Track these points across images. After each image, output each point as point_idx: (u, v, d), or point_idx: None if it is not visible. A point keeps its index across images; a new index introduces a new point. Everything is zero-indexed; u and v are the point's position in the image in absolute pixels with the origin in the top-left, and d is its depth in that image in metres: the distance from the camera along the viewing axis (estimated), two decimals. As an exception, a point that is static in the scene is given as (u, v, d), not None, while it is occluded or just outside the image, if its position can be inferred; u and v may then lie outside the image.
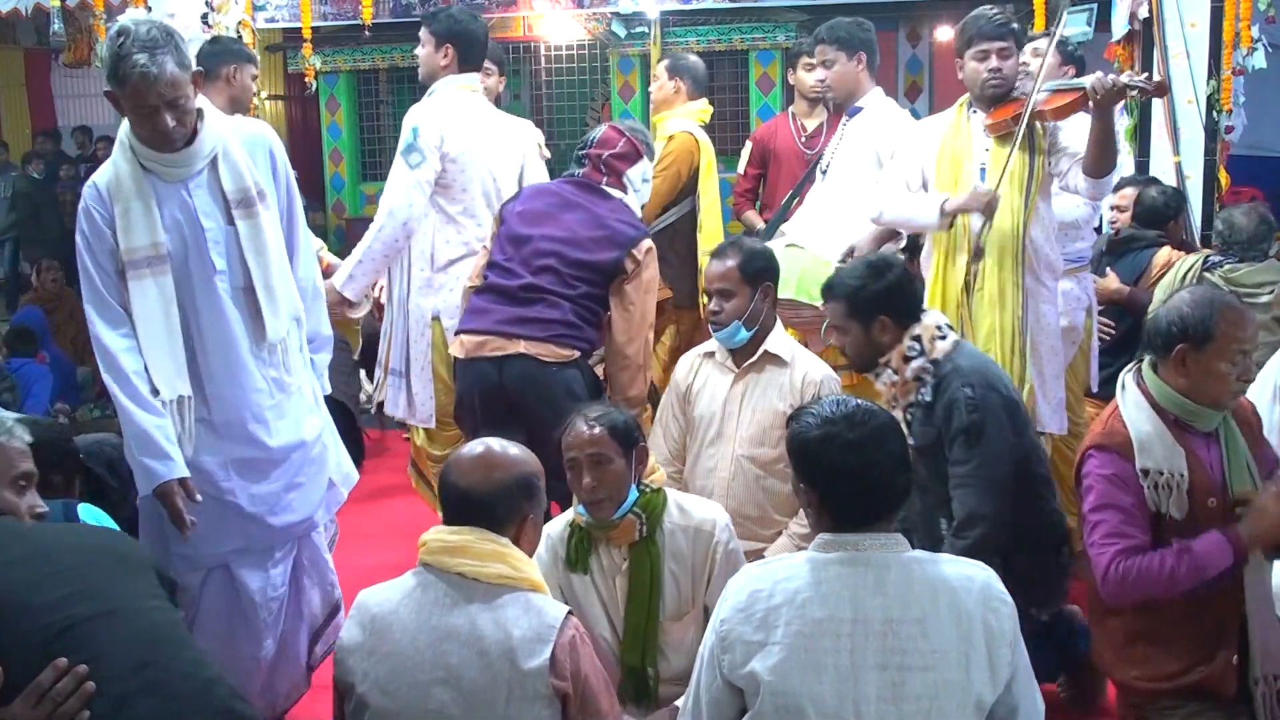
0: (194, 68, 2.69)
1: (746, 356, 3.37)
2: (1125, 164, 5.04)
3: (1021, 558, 2.96)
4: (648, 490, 2.78)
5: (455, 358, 3.51)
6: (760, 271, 3.33)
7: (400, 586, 2.23)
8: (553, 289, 3.43)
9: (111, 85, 2.66)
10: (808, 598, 1.96)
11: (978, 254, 3.54)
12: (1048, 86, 3.44)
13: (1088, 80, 3.31)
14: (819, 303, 3.95)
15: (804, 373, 3.33)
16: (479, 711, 2.10)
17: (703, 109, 4.75)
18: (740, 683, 1.98)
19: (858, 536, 2.01)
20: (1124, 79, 3.23)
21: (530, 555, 2.29)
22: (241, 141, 2.86)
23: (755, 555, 3.29)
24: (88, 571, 2.04)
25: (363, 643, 2.19)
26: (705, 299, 3.42)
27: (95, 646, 1.92)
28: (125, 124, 2.75)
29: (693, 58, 5.03)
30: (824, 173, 4.37)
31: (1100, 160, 3.37)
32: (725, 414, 3.36)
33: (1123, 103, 3.31)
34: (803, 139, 5.11)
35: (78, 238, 2.81)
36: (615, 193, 3.63)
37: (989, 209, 3.48)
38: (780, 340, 3.39)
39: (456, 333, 3.56)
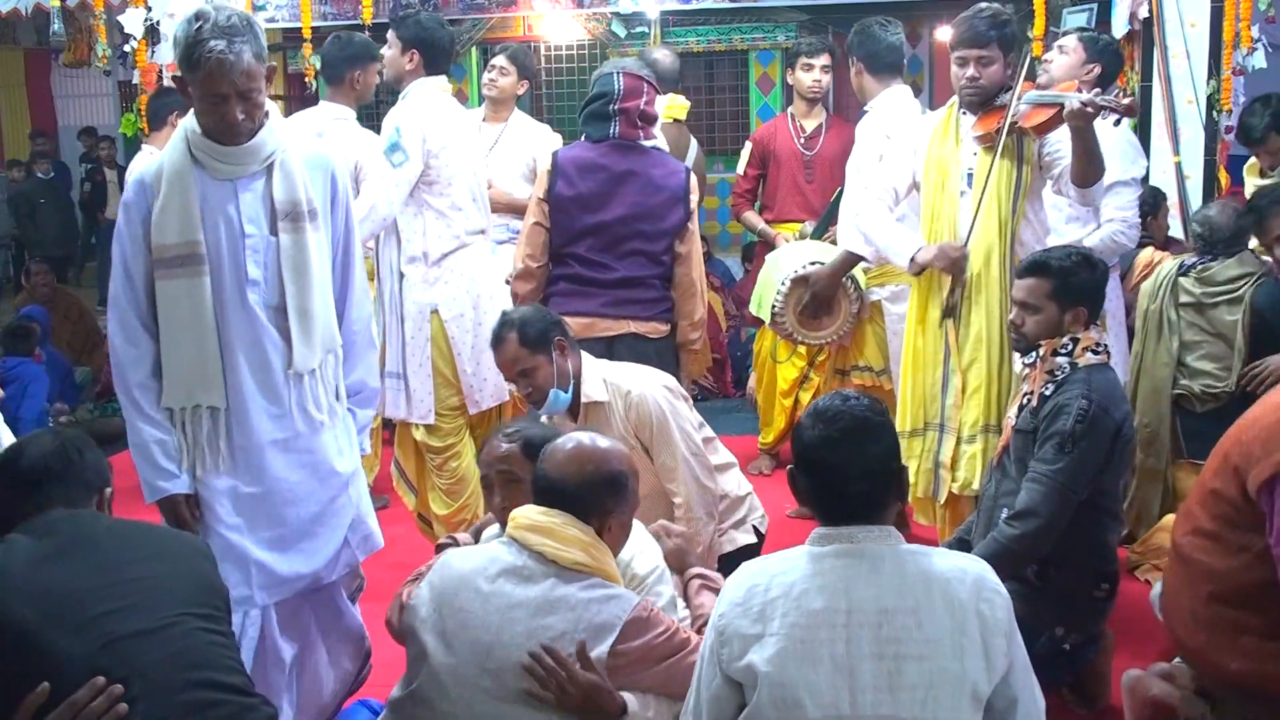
0: (270, 62, 2.63)
1: (575, 412, 3.22)
2: (1125, 164, 5.02)
3: (1057, 574, 3.00)
4: None
5: None
6: (541, 334, 3.16)
7: (485, 553, 2.32)
8: (645, 272, 3.72)
9: (183, 70, 2.54)
10: (804, 589, 1.97)
11: (949, 311, 3.52)
12: (1028, 98, 3.40)
13: (1066, 98, 3.28)
14: (767, 321, 4.17)
15: (624, 398, 3.18)
16: None
17: (669, 104, 4.74)
18: (738, 676, 1.99)
19: (852, 529, 2.03)
20: (1098, 100, 3.19)
21: (615, 552, 2.35)
22: (303, 160, 2.72)
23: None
24: (148, 585, 2.06)
25: (436, 595, 2.28)
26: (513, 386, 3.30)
27: (138, 664, 1.94)
28: (190, 116, 2.64)
29: (656, 52, 5.00)
30: None
31: (1085, 172, 3.33)
32: None
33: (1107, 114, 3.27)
34: (801, 140, 5.12)
35: (116, 229, 2.70)
36: (649, 142, 3.80)
37: (956, 269, 3.44)
38: (593, 382, 3.21)
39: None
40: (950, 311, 3.52)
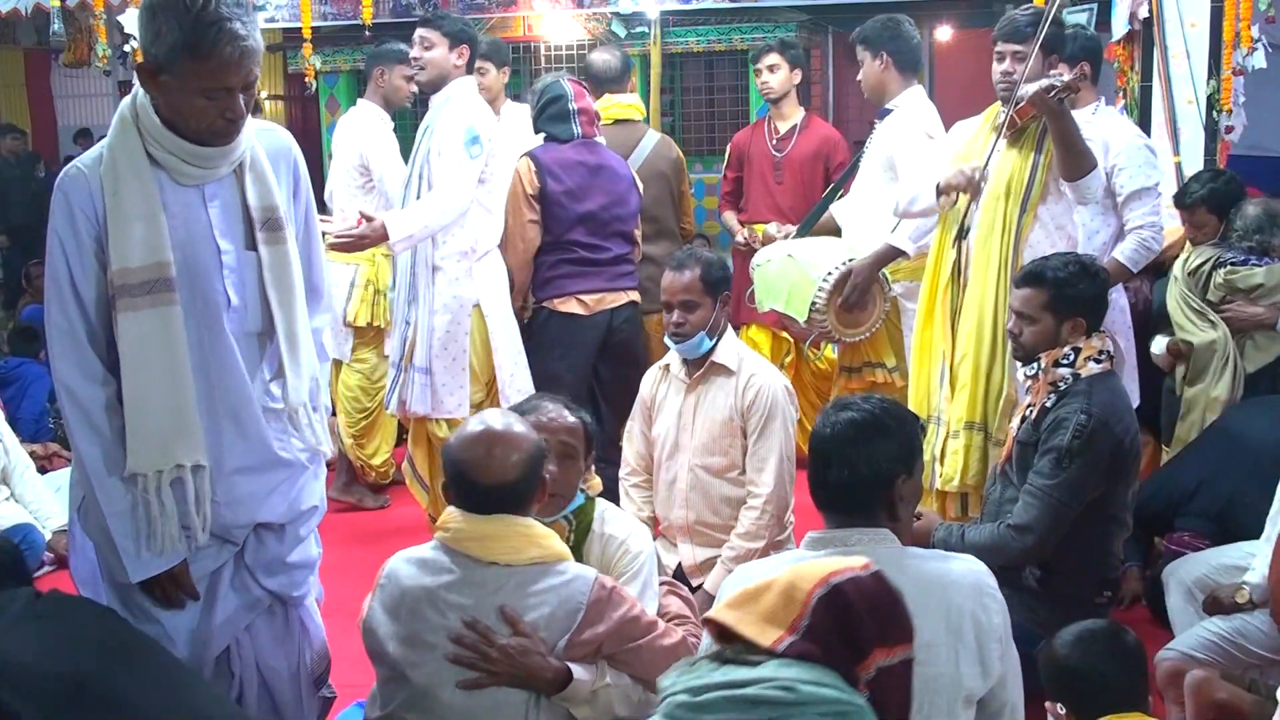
0: None
1: (697, 368, 3.41)
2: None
3: (1060, 581, 3.01)
4: (585, 496, 2.69)
5: (575, 314, 4.15)
6: (719, 281, 3.40)
7: (431, 566, 2.24)
8: (626, 250, 4.31)
9: (176, 55, 2.06)
10: None
11: (962, 233, 3.51)
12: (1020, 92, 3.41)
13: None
14: (801, 319, 4.09)
15: (748, 377, 3.35)
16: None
17: (605, 105, 4.73)
18: None
19: (847, 532, 2.03)
20: (1045, 82, 3.22)
21: (553, 506, 2.39)
22: (265, 151, 2.30)
23: (715, 563, 3.36)
24: (108, 629, 2.10)
25: (393, 617, 2.24)
26: (666, 313, 3.42)
27: (123, 693, 1.95)
28: (131, 101, 2.19)
29: (592, 54, 4.98)
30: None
31: (1065, 163, 3.31)
32: (680, 426, 3.42)
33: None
34: (774, 141, 5.15)
35: (50, 239, 2.18)
36: (601, 138, 4.30)
37: (972, 187, 3.42)
38: (729, 349, 3.41)
39: (566, 295, 4.15)
40: (964, 233, 3.51)
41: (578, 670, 2.19)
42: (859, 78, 4.41)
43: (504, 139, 4.97)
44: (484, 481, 2.21)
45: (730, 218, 5.30)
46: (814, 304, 4.04)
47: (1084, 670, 2.28)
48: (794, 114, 5.17)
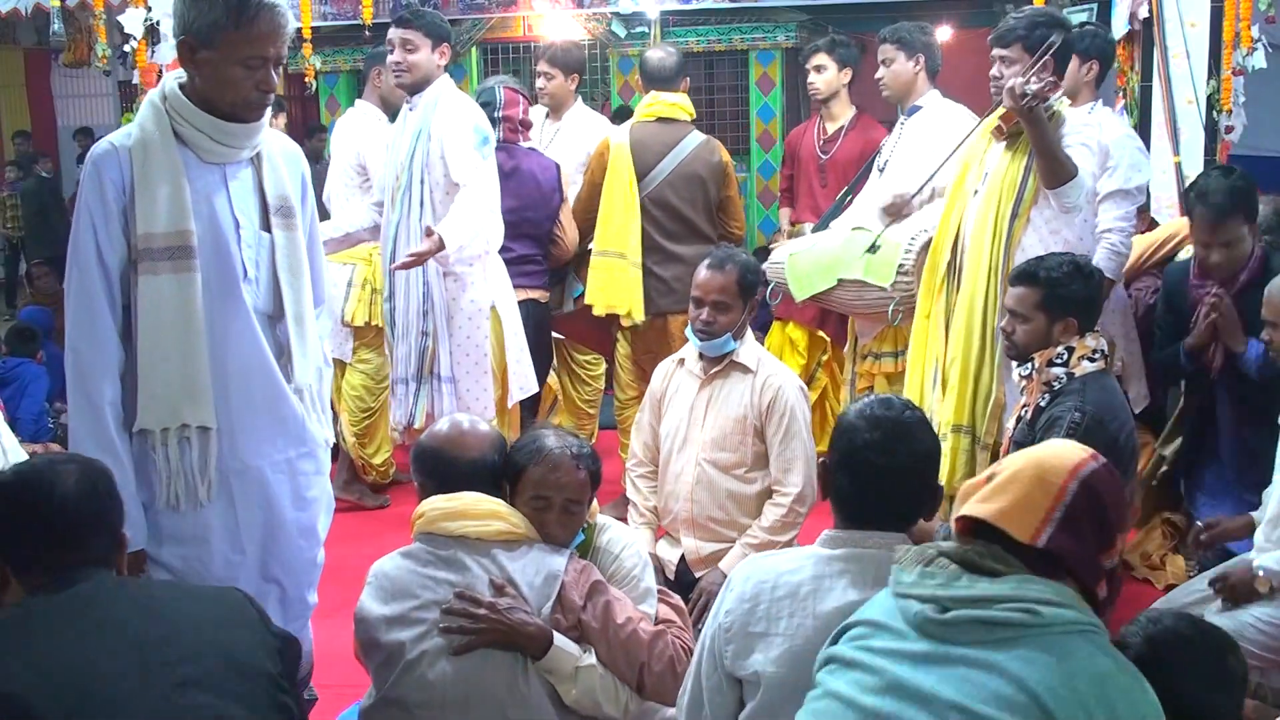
0: None
1: (714, 364, 3.40)
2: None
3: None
4: (587, 527, 2.62)
5: None
6: (754, 285, 3.40)
7: (411, 555, 2.34)
8: (534, 250, 4.45)
9: (221, 27, 2.23)
10: (811, 591, 1.98)
11: (1013, 137, 3.46)
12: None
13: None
14: (887, 283, 4.00)
15: (766, 377, 3.35)
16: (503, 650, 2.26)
17: (650, 102, 4.71)
18: (741, 674, 1.99)
19: (863, 534, 2.03)
20: (1021, 85, 3.21)
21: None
22: (279, 153, 2.50)
23: (719, 556, 3.36)
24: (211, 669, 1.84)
25: (383, 603, 2.31)
26: (694, 307, 3.40)
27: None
28: (159, 88, 2.34)
29: (649, 51, 4.92)
30: (881, 170, 4.41)
31: (1042, 170, 3.30)
32: (691, 420, 3.41)
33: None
34: (820, 141, 5.10)
35: (78, 209, 2.29)
36: (527, 143, 4.47)
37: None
38: (749, 350, 3.41)
39: None
40: (1015, 137, 3.44)
41: (560, 638, 2.26)
42: (880, 76, 4.37)
43: (572, 141, 4.98)
44: (459, 457, 2.39)
45: (785, 216, 5.29)
46: (901, 266, 3.97)
47: (1158, 683, 1.72)
48: (843, 114, 5.02)
